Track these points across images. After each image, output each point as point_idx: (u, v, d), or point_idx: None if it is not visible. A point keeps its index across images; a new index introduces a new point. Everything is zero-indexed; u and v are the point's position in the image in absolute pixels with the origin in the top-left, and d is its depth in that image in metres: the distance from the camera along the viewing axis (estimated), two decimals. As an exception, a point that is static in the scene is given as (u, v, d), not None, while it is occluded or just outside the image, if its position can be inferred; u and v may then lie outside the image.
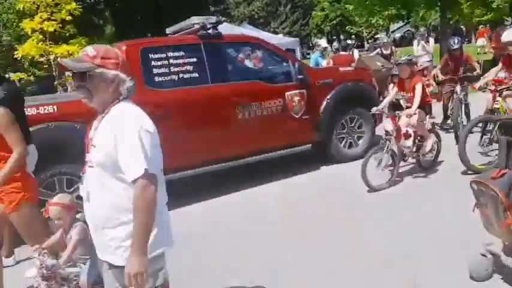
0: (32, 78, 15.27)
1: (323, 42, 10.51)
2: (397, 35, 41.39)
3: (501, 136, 2.52)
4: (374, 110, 4.70)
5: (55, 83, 11.73)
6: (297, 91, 5.16)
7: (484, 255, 2.57)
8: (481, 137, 4.69)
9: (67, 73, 7.60)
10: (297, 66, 5.17)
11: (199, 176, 4.81)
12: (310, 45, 52.13)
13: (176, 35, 5.42)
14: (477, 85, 5.16)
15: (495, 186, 2.29)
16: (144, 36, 15.24)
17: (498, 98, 4.73)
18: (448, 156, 5.04)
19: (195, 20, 5.01)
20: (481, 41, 18.99)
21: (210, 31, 4.90)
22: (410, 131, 4.59)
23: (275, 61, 5.52)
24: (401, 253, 3.07)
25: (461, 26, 27.87)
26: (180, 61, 4.63)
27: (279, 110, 5.06)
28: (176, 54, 4.62)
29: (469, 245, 2.78)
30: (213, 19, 5.17)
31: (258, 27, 30.23)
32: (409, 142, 4.61)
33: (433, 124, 6.77)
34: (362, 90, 5.65)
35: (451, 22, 19.10)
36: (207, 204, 4.66)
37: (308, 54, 39.91)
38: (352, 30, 22.37)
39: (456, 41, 6.27)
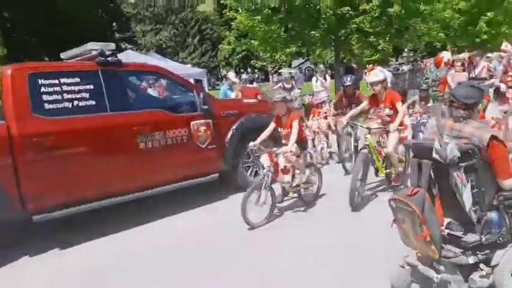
0: None
1: (232, 75, 10.76)
2: (298, 71, 44.54)
3: (412, 158, 2.74)
4: (251, 145, 4.65)
5: None
6: (202, 121, 5.15)
7: (402, 267, 2.78)
8: None
9: None
10: (202, 96, 5.17)
11: (97, 210, 4.46)
12: (219, 76, 53.44)
13: (72, 60, 5.10)
14: (344, 119, 5.40)
15: (411, 202, 2.47)
16: (41, 60, 14.07)
17: (367, 135, 4.91)
18: (333, 188, 5.17)
19: (93, 46, 4.76)
20: (371, 78, 21.32)
21: (109, 58, 4.70)
22: (289, 165, 4.63)
23: (179, 91, 5.47)
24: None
25: (353, 65, 31.07)
26: (75, 88, 4.32)
27: (184, 140, 4.97)
28: (70, 80, 4.30)
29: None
30: (112, 46, 4.97)
31: (166, 56, 30.13)
32: (287, 177, 4.67)
33: (330, 153, 7.30)
34: (265, 121, 5.84)
35: (344, 61, 21.17)
36: (112, 238, 4.36)
37: (217, 85, 40.66)
38: (257, 65, 23.42)
39: (349, 78, 6.79)
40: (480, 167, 2.45)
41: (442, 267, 2.58)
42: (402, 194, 2.61)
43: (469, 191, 2.45)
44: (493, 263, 2.51)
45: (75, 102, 4.29)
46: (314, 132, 7.24)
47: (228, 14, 14.62)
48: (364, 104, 5.42)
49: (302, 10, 12.57)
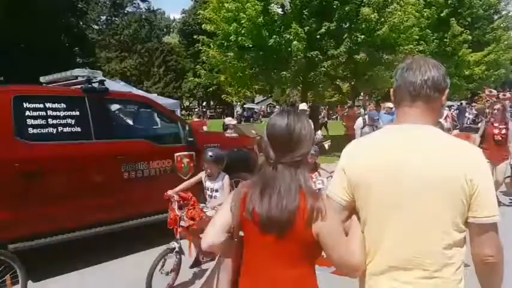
0: None
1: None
2: (262, 106, 45.64)
3: None
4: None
5: None
6: (186, 153, 5.14)
7: None
8: None
9: None
10: (187, 128, 5.20)
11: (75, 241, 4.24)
12: (182, 107, 52.99)
13: (53, 85, 4.99)
14: None
15: None
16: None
17: None
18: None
19: (79, 73, 4.72)
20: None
21: (96, 85, 4.65)
22: None
23: (164, 122, 5.46)
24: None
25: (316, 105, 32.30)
26: (61, 113, 4.22)
27: (168, 171, 4.92)
28: (56, 105, 4.20)
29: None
30: (99, 73, 4.94)
31: (130, 84, 29.72)
32: None
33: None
34: (246, 155, 5.93)
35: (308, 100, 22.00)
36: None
37: (182, 115, 39.77)
38: (228, 99, 23.70)
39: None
40: None
41: None
42: None
43: None
44: None
45: (60, 128, 4.17)
46: None
47: (201, 48, 14.83)
48: None
49: (274, 51, 13.04)
